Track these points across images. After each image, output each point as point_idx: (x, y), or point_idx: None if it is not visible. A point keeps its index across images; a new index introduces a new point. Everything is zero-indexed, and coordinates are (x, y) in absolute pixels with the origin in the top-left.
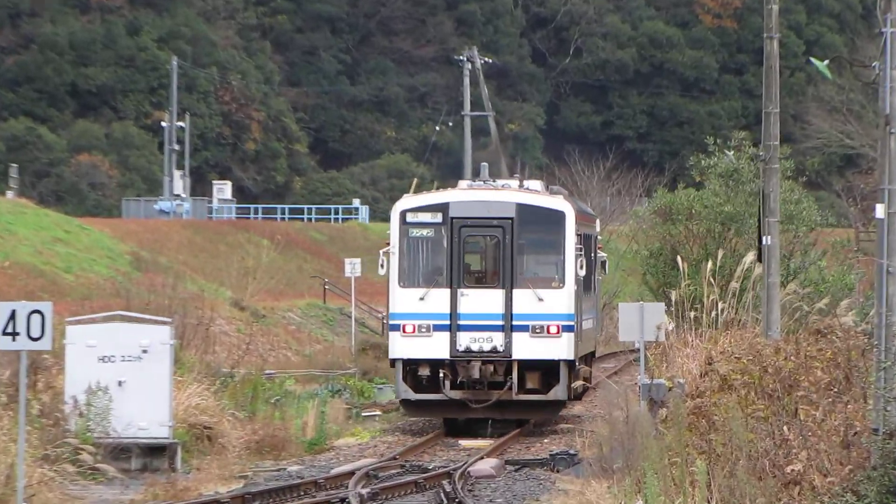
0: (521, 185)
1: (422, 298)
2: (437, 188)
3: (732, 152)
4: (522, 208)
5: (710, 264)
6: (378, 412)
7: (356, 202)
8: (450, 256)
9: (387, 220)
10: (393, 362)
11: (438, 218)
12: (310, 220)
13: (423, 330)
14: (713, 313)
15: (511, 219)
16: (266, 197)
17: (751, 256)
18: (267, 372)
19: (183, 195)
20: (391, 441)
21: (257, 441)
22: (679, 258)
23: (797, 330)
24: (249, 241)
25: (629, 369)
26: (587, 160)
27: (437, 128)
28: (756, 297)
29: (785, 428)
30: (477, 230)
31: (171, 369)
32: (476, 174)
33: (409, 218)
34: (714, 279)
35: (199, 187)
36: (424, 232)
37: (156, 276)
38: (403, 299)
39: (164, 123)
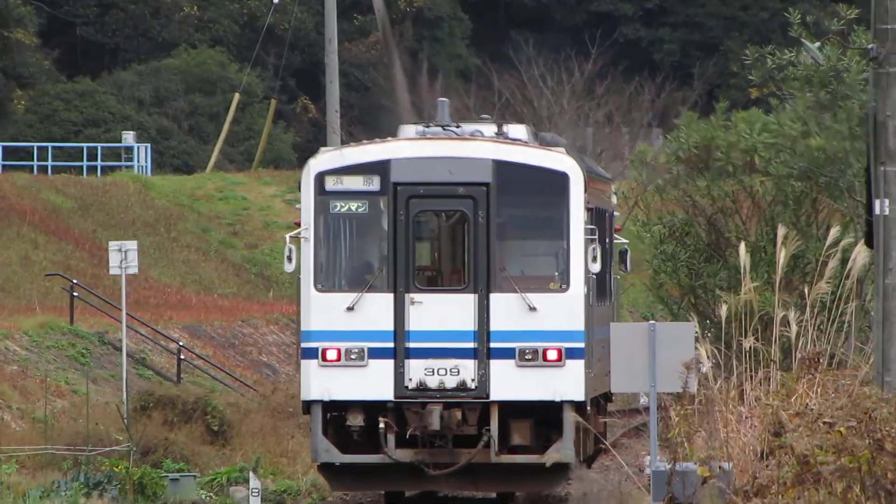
0: (499, 132)
1: (351, 308)
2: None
3: (819, 43)
4: (504, 168)
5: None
6: None
7: (128, 137)
8: (392, 244)
9: (184, 170)
10: (307, 406)
11: (374, 184)
12: (44, 170)
13: (354, 356)
14: (792, 342)
15: (486, 185)
16: None
17: (850, 237)
18: None
19: None
20: None
21: None
22: (740, 245)
23: None
24: None
25: (631, 442)
26: (551, 61)
27: (275, 0)
28: (863, 313)
29: None
30: (434, 203)
31: None
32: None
33: (330, 185)
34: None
35: None
36: (353, 206)
37: None
38: (322, 310)
39: None
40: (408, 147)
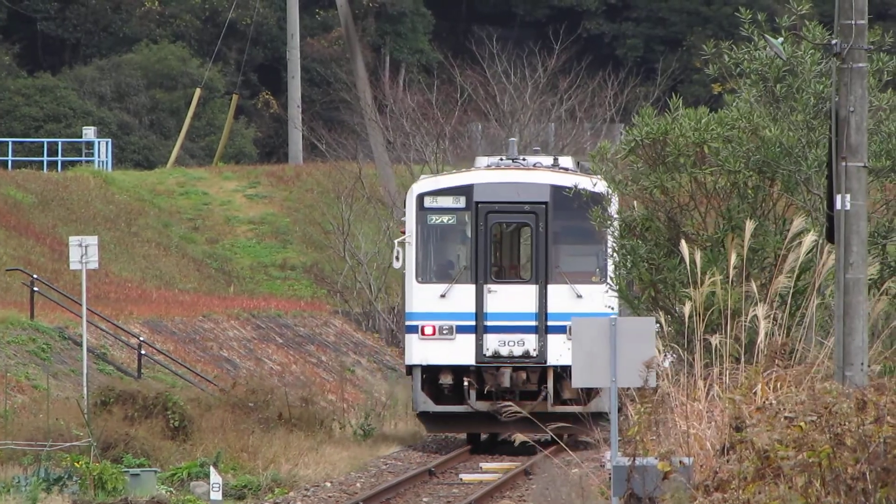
0: (554, 164)
1: (443, 295)
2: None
3: (782, 38)
4: (558, 191)
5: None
6: None
7: (89, 132)
8: (475, 247)
9: (145, 165)
10: (409, 369)
11: (461, 202)
12: (4, 165)
13: (445, 332)
14: (751, 336)
15: (545, 203)
16: None
17: (813, 233)
18: None
19: None
20: None
21: None
22: (683, 240)
23: None
24: None
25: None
26: (514, 55)
27: None
28: (824, 308)
29: None
30: (506, 216)
31: None
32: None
33: (428, 203)
34: (745, 273)
35: None
36: (445, 219)
37: None
38: (422, 297)
39: None
40: (487, 174)
